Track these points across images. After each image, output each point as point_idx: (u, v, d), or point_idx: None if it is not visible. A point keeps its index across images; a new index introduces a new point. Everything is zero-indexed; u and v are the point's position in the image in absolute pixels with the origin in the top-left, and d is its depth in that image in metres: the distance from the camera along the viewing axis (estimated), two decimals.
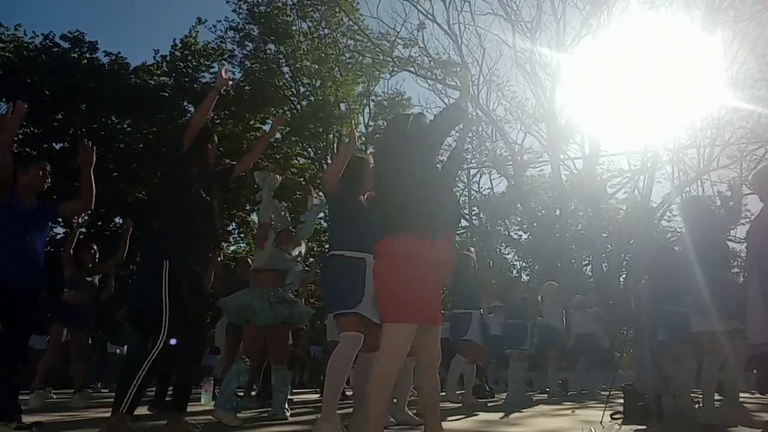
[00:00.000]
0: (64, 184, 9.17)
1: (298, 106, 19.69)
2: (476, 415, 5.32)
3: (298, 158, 20.52)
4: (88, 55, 18.35)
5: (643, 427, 4.21)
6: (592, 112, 18.43)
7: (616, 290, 17.65)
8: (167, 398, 4.90)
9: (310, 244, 6.82)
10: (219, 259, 6.93)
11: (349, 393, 5.85)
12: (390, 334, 2.44)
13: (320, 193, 5.50)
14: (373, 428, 2.41)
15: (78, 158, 3.71)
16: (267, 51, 19.44)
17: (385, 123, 19.90)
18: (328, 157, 18.37)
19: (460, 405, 6.22)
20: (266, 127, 18.27)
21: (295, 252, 4.95)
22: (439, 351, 2.60)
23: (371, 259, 3.30)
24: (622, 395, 4.69)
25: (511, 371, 7.37)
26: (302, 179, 18.89)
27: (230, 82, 3.68)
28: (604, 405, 4.62)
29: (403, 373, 4.07)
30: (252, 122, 19.40)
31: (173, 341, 3.28)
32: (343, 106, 19.18)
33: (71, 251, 5.99)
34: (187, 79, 19.04)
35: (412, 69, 19.10)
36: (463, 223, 18.37)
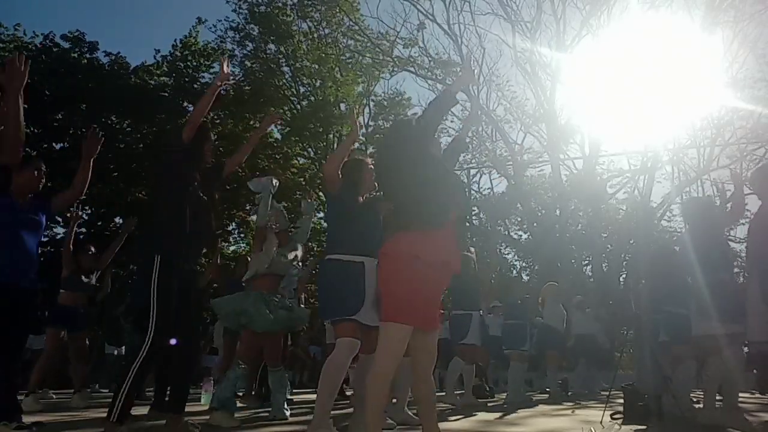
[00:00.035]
0: (64, 184, 9.17)
1: (298, 106, 19.69)
2: (476, 415, 5.32)
3: (298, 158, 20.52)
4: (88, 55, 18.36)
5: (643, 427, 4.21)
6: (592, 112, 18.42)
7: (616, 290, 17.64)
8: (166, 398, 4.89)
9: (310, 244, 6.81)
10: (218, 261, 6.94)
11: (349, 393, 5.85)
12: (387, 334, 2.44)
13: (311, 201, 5.50)
14: (372, 428, 2.41)
15: (83, 145, 3.70)
16: (267, 51, 19.45)
17: (385, 123, 19.95)
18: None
19: (458, 405, 6.21)
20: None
21: (291, 255, 4.91)
22: (435, 354, 2.59)
23: (370, 262, 3.31)
24: (622, 395, 4.70)
25: (511, 372, 7.37)
26: (302, 179, 18.90)
27: (231, 78, 3.67)
28: (604, 405, 4.62)
29: (402, 374, 4.06)
30: (252, 122, 19.38)
31: (173, 341, 3.29)
32: (343, 106, 19.15)
33: (70, 247, 5.87)
34: (187, 79, 19.05)
35: (412, 69, 19.09)
36: None
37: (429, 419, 2.53)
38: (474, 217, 21.48)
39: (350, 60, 19.29)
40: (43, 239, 6.53)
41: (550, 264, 16.84)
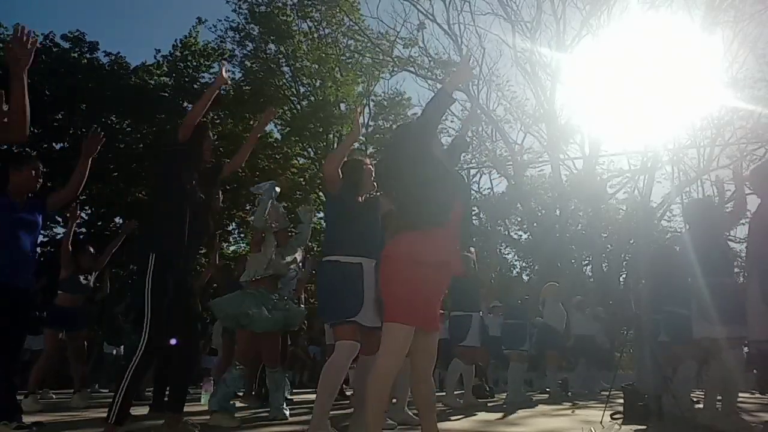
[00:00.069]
0: (64, 184, 9.16)
1: (298, 106, 19.69)
2: (476, 415, 5.32)
3: (298, 158, 20.52)
4: (88, 55, 18.37)
5: (643, 427, 4.21)
6: (592, 112, 18.41)
7: (616, 290, 17.64)
8: (165, 398, 4.89)
9: (310, 244, 6.80)
10: (218, 261, 6.93)
11: (349, 393, 5.85)
12: (390, 334, 2.44)
13: (308, 207, 5.49)
14: (372, 428, 2.41)
15: (83, 144, 3.69)
16: (267, 51, 19.44)
17: (385, 123, 19.94)
18: None
19: (459, 406, 6.21)
20: (266, 128, 18.26)
21: (290, 259, 4.89)
22: (435, 354, 2.59)
23: (368, 262, 3.30)
24: (622, 395, 4.69)
25: (510, 372, 7.36)
26: (302, 179, 18.89)
27: (229, 82, 3.67)
28: (604, 405, 4.62)
29: (402, 374, 4.06)
30: (252, 122, 19.37)
31: (173, 341, 3.28)
32: (343, 106, 19.16)
33: (69, 247, 5.81)
34: (187, 79, 19.06)
35: (412, 69, 19.08)
36: None
37: (429, 419, 2.53)
38: (474, 217, 21.47)
39: (350, 60, 19.28)
40: (42, 239, 6.51)
41: (550, 264, 16.83)
